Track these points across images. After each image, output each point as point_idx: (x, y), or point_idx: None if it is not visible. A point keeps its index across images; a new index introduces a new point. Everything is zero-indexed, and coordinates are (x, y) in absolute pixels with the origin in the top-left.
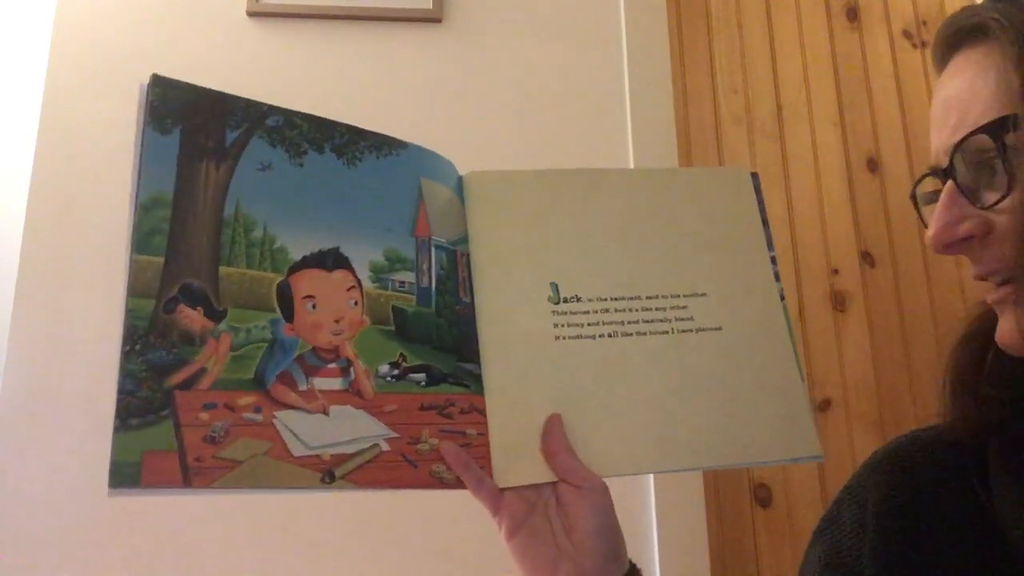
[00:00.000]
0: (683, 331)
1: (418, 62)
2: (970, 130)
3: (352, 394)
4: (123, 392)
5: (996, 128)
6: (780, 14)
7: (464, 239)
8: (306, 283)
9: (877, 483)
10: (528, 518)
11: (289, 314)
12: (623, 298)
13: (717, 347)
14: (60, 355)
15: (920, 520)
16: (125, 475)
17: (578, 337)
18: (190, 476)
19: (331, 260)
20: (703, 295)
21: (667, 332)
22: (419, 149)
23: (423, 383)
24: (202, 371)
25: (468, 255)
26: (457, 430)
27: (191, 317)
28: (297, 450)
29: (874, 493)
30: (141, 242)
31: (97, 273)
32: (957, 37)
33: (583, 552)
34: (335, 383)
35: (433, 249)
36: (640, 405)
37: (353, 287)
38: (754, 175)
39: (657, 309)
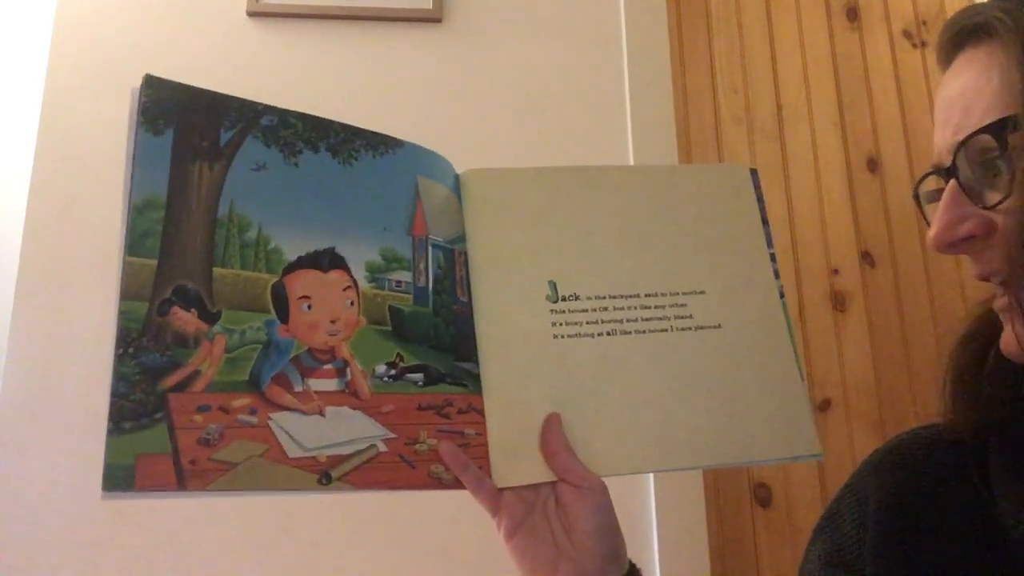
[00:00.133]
0: (682, 329)
1: (418, 62)
2: (973, 129)
3: (349, 395)
4: (116, 395)
5: (999, 128)
6: (780, 14)
7: (461, 238)
8: (301, 284)
9: (878, 481)
10: (527, 518)
11: (284, 315)
12: (622, 296)
13: (716, 345)
14: (60, 355)
15: (921, 518)
16: (119, 478)
17: (577, 336)
18: (185, 479)
19: (327, 260)
20: (702, 293)
21: (666, 330)
22: (415, 147)
23: (420, 383)
24: (196, 373)
25: (465, 254)
26: (455, 430)
27: (185, 319)
28: (293, 452)
29: (875, 491)
30: (134, 244)
31: (97, 273)
32: (961, 36)
33: (582, 552)
34: (331, 384)
35: (430, 248)
36: (639, 404)
37: (349, 287)
38: (753, 172)
39: (656, 307)
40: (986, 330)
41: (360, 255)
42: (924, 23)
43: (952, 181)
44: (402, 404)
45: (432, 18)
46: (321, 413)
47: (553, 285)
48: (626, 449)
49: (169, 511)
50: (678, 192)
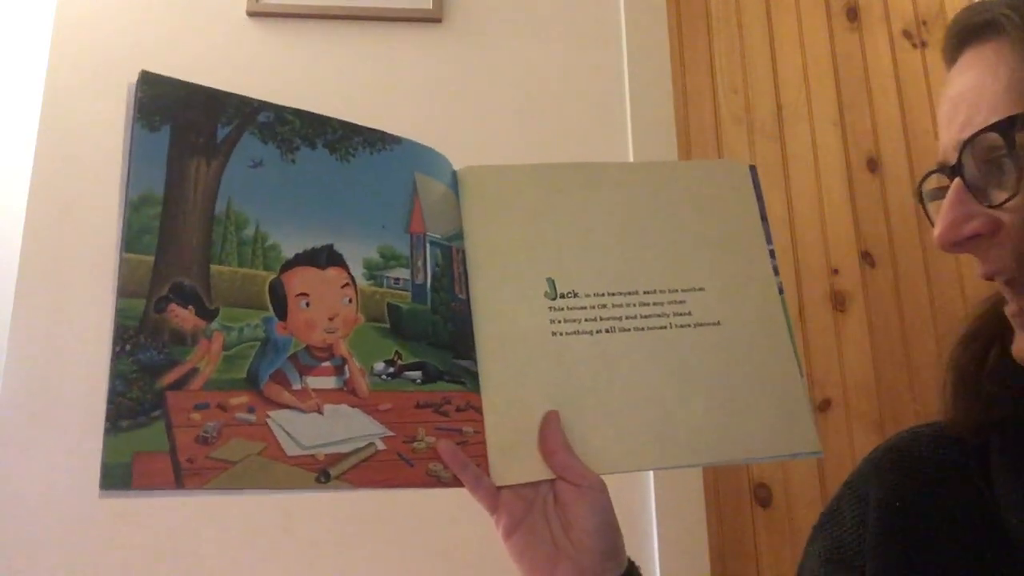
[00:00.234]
0: (681, 326)
1: (418, 62)
2: (979, 127)
3: (347, 393)
4: (113, 393)
5: (1006, 126)
6: (780, 14)
7: (459, 235)
8: (299, 281)
9: (878, 478)
10: (526, 516)
11: (282, 312)
12: (620, 293)
13: (715, 342)
14: (60, 355)
15: (921, 516)
16: (116, 477)
17: (575, 333)
18: (182, 477)
19: (324, 257)
20: (701, 289)
21: (665, 327)
22: (413, 144)
23: (419, 381)
24: (194, 371)
25: (463, 251)
26: (453, 428)
27: (182, 316)
28: (291, 450)
29: (875, 488)
30: (131, 241)
31: (97, 273)
32: (967, 33)
33: (582, 550)
34: (329, 382)
35: (428, 245)
36: (638, 401)
37: (347, 284)
38: (752, 168)
39: (655, 304)
40: (987, 329)
41: (358, 252)
42: (924, 23)
43: (957, 179)
44: (400, 402)
45: (432, 18)
46: (319, 411)
47: (551, 282)
48: (625, 447)
49: (169, 511)
50: (677, 189)
